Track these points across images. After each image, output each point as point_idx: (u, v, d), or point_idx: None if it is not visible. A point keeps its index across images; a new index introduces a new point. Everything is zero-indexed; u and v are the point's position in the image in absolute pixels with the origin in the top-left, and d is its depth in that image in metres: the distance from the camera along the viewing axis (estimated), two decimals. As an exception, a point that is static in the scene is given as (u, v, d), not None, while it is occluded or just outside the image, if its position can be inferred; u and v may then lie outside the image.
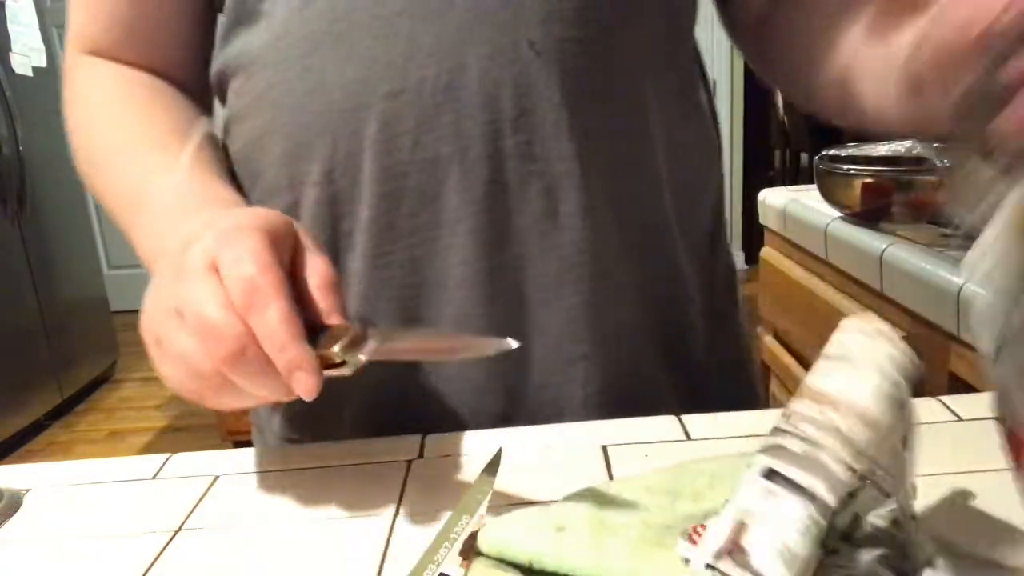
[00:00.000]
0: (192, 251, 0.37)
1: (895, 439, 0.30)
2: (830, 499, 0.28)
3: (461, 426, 0.50)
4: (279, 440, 0.57)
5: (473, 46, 0.46)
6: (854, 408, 0.29)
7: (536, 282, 0.51)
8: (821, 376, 0.31)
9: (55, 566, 0.38)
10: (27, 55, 2.90)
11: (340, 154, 0.49)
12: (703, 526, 0.31)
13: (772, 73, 0.60)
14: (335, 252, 0.51)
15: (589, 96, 0.49)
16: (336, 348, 0.36)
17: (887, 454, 0.29)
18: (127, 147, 0.51)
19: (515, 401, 0.52)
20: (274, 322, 0.34)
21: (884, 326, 0.31)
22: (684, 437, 0.46)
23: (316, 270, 0.39)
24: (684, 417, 0.48)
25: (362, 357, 0.37)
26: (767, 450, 0.30)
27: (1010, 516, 0.35)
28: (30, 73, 2.91)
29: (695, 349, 0.56)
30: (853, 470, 0.28)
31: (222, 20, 0.52)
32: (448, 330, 0.51)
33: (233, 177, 0.55)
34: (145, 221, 0.47)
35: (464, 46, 0.46)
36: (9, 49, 2.78)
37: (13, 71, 2.79)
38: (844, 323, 0.33)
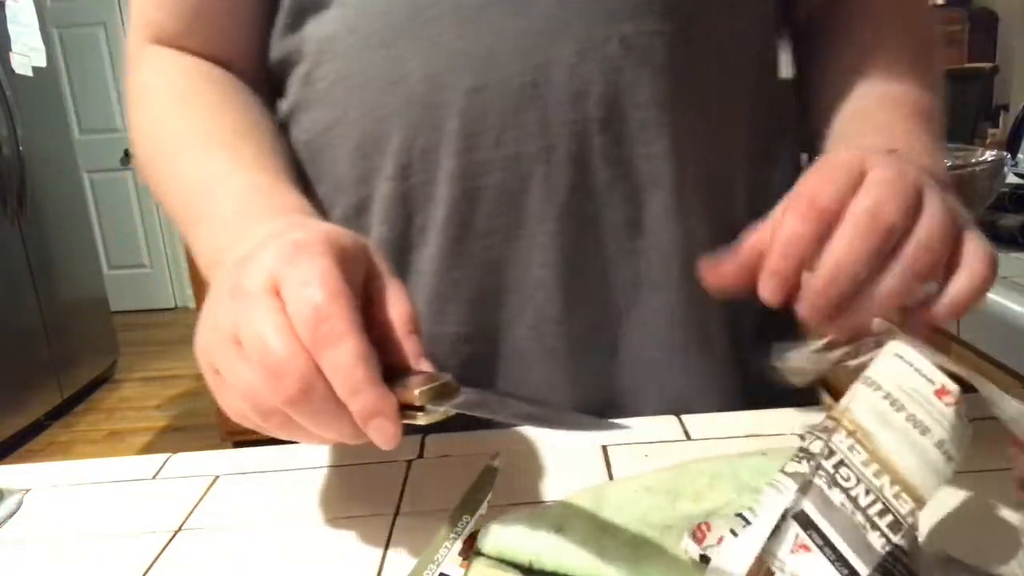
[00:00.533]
0: (250, 269, 0.33)
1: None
2: (862, 570, 0.27)
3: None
4: None
5: (561, 42, 0.44)
6: (905, 480, 0.28)
7: (618, 287, 0.49)
8: (875, 420, 0.29)
9: (55, 566, 0.38)
10: (27, 55, 2.90)
11: (417, 149, 0.47)
12: (707, 524, 0.31)
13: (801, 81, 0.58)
14: (406, 250, 0.49)
15: (679, 94, 0.47)
16: (416, 392, 0.32)
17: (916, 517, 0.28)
18: (192, 145, 0.48)
19: (589, 408, 0.50)
20: (347, 361, 0.30)
21: (952, 385, 0.29)
22: (684, 437, 0.46)
23: (397, 304, 0.35)
24: (684, 417, 0.48)
25: (444, 408, 0.32)
26: (807, 489, 0.29)
27: (1009, 517, 0.35)
28: (30, 73, 2.91)
29: (760, 353, 0.54)
30: (889, 541, 0.27)
31: (285, 4, 0.51)
32: (527, 334, 0.48)
33: (298, 171, 0.52)
34: (206, 227, 0.44)
35: (551, 42, 0.44)
36: (9, 49, 2.78)
37: (13, 71, 2.79)
38: (896, 348, 0.30)
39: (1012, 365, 0.79)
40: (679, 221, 0.48)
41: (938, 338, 0.85)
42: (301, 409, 0.31)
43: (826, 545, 0.28)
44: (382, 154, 0.48)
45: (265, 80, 0.54)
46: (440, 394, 0.32)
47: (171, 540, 0.39)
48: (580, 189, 0.47)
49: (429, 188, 0.48)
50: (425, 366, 0.34)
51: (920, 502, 0.27)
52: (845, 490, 0.28)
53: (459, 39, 0.45)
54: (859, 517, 0.28)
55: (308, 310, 0.31)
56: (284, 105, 0.54)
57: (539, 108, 0.45)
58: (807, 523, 0.28)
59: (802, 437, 0.31)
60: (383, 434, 0.31)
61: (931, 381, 0.29)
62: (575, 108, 0.45)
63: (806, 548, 0.28)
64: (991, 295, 0.74)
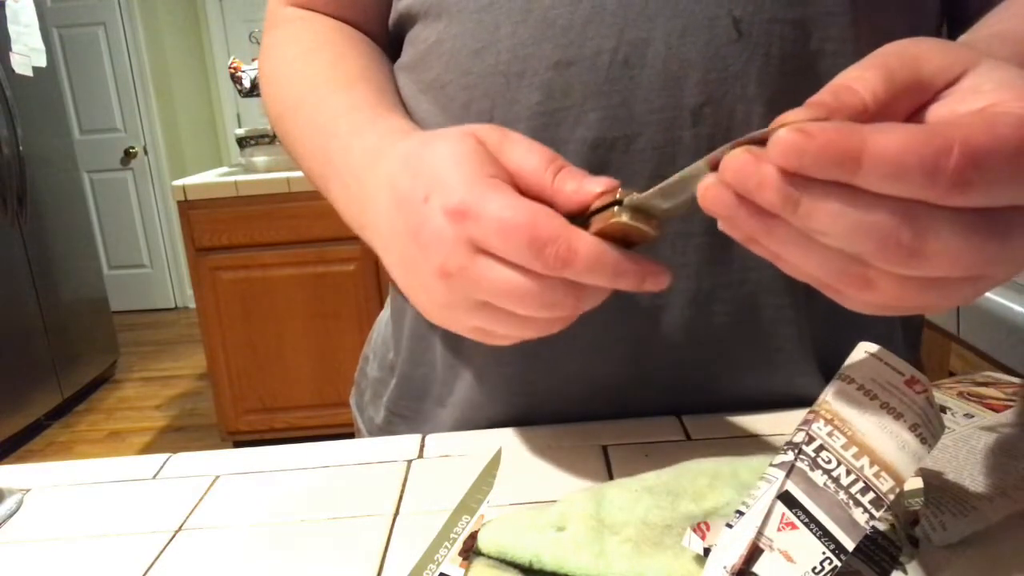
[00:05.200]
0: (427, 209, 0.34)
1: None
2: (848, 544, 0.28)
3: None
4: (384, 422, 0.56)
5: (663, 18, 0.41)
6: (883, 460, 0.29)
7: (679, 299, 0.45)
8: (851, 409, 0.30)
9: (55, 566, 0.38)
10: (27, 55, 2.90)
11: (495, 123, 0.44)
12: (707, 524, 0.31)
13: None
14: None
15: (794, 93, 0.41)
16: (619, 196, 0.30)
17: (899, 497, 0.29)
18: (313, 91, 0.49)
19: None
20: (505, 210, 0.31)
21: (920, 375, 0.30)
22: (684, 437, 0.46)
23: (530, 156, 0.34)
24: (684, 417, 0.48)
25: (645, 198, 0.30)
26: (789, 472, 0.30)
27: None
28: (30, 73, 2.91)
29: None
30: (872, 516, 0.28)
31: None
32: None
33: None
34: (335, 177, 0.45)
35: (653, 17, 0.41)
36: (9, 49, 2.78)
37: (13, 71, 2.79)
38: (867, 347, 0.32)
39: (1012, 365, 0.79)
40: None
41: (939, 338, 0.85)
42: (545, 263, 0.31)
43: (811, 522, 0.28)
44: (459, 124, 0.46)
45: (387, 44, 0.55)
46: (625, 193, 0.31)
47: (171, 540, 0.39)
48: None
49: None
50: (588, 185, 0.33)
51: (899, 481, 0.29)
52: (827, 471, 0.29)
53: (552, 7, 0.42)
54: (842, 495, 0.29)
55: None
56: (395, 67, 0.54)
57: (627, 90, 0.41)
58: (792, 502, 0.29)
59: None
60: (586, 259, 0.31)
61: (901, 373, 0.31)
62: (667, 93, 0.41)
63: (793, 526, 0.29)
64: (990, 295, 0.74)
